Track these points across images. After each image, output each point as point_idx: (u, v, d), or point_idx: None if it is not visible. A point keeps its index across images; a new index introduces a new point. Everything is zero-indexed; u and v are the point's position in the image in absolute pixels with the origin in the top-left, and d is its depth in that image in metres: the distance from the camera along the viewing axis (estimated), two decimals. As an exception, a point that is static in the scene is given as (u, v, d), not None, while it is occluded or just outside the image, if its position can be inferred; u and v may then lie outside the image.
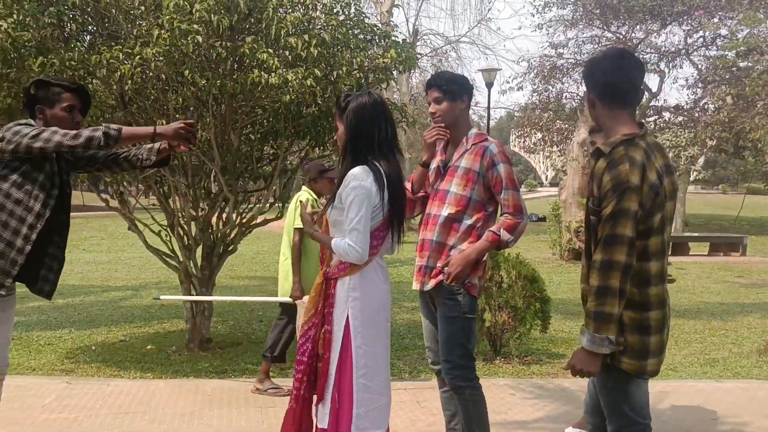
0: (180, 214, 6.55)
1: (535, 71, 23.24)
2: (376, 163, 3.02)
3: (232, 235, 6.72)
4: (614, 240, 2.43)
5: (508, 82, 50.50)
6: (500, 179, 3.45)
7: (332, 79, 5.68)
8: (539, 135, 27.76)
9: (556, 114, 25.99)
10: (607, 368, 2.57)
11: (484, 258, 3.50)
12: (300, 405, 3.00)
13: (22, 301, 9.20)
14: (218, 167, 6.14)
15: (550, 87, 26.68)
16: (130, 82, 5.32)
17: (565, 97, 27.07)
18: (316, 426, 3.02)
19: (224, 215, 6.69)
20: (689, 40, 27.19)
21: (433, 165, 3.66)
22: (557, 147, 27.47)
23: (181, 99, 5.75)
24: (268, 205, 6.66)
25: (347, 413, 2.90)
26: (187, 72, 5.23)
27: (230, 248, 6.83)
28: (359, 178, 2.95)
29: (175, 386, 5.43)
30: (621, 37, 23.69)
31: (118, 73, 5.21)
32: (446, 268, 3.43)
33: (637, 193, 2.43)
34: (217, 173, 6.24)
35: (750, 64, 25.98)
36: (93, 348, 6.85)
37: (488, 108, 16.49)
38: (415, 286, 3.60)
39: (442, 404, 3.71)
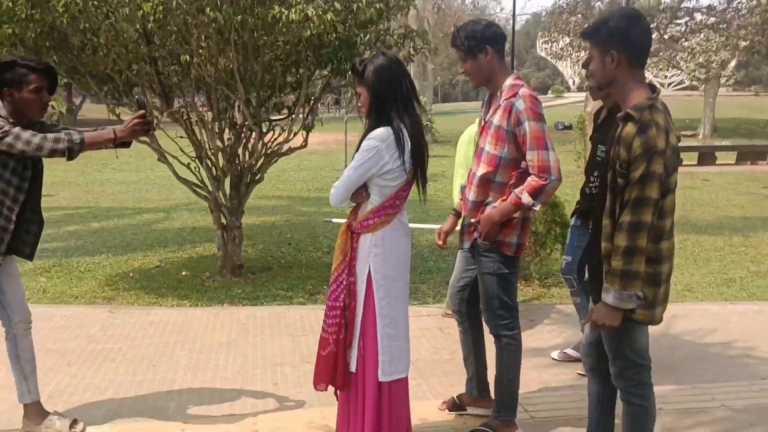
0: (207, 146, 6.70)
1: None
2: (399, 123, 3.07)
3: (258, 164, 6.89)
4: (643, 202, 2.56)
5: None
6: (526, 138, 3.33)
7: (353, 9, 5.67)
8: (567, 39, 27.13)
9: (585, 17, 25.29)
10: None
11: (516, 216, 3.47)
12: (340, 348, 3.18)
13: (58, 225, 9.56)
14: (242, 99, 6.24)
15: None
16: (152, 18, 5.39)
17: (594, -1, 26.29)
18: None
19: (249, 145, 6.83)
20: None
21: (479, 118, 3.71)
22: (585, 52, 26.92)
23: (203, 35, 5.80)
24: (292, 134, 6.78)
25: (373, 359, 3.12)
26: (208, 10, 5.27)
27: (257, 177, 7.01)
28: (377, 137, 3.03)
29: (211, 314, 5.74)
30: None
31: (141, 11, 5.27)
32: (479, 227, 3.50)
33: (663, 156, 2.55)
34: (241, 105, 6.34)
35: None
36: (131, 274, 7.18)
37: (513, 14, 16.05)
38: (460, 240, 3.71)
39: (461, 341, 3.90)
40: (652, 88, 2.71)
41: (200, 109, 6.76)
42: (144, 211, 11.31)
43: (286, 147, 6.92)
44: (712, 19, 24.49)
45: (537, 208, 3.38)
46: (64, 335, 5.17)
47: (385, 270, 3.15)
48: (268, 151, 6.84)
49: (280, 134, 6.87)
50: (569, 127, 28.05)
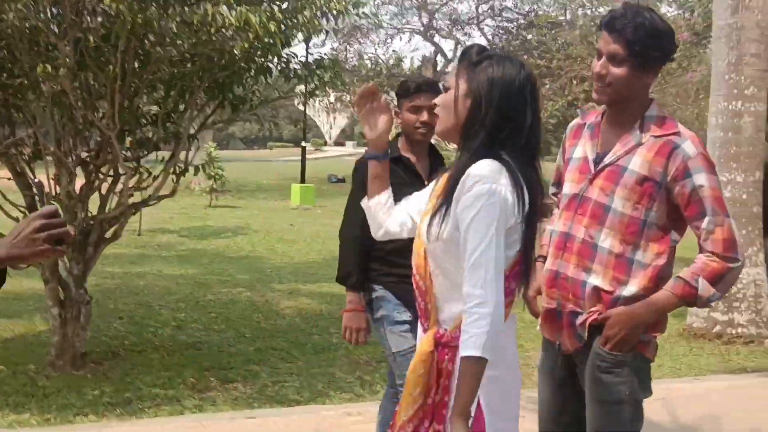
0: (53, 191, 4.85)
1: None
2: (510, 162, 1.95)
3: (116, 216, 5.16)
4: None
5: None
6: (698, 198, 2.29)
7: (299, 21, 4.40)
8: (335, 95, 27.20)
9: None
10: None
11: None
12: None
13: None
14: (115, 131, 4.57)
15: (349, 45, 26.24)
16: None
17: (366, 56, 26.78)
18: None
19: (116, 190, 5.11)
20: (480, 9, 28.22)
21: (578, 154, 2.51)
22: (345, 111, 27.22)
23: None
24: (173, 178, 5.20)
25: None
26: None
27: (112, 234, 5.26)
28: (488, 177, 1.87)
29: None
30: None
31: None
32: (605, 330, 2.33)
33: None
34: (112, 139, 4.64)
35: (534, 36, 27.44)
36: None
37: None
38: (546, 334, 2.54)
39: None
40: None
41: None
42: None
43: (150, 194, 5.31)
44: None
45: (714, 304, 2.44)
46: None
47: (502, 405, 1.97)
48: (128, 200, 5.16)
49: (146, 178, 5.24)
50: (342, 180, 28.03)
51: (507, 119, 1.94)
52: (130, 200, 5.11)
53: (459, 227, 1.89)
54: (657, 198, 2.33)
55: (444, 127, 2.04)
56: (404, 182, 3.14)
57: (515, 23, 29.84)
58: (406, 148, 3.24)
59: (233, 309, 7.34)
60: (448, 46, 33.69)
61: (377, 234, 2.25)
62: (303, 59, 5.17)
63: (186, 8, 3.89)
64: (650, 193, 2.32)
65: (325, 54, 5.61)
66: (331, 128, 50.48)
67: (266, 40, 4.05)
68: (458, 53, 31.93)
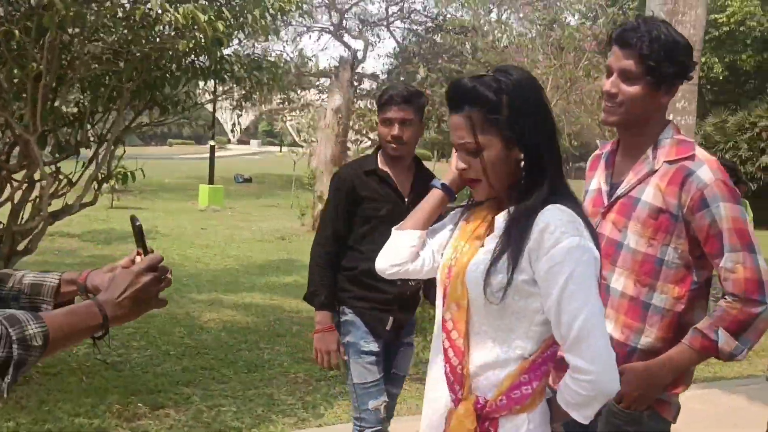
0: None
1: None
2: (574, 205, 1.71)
3: (32, 227, 4.67)
4: None
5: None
6: (717, 231, 2.03)
7: (247, 20, 4.07)
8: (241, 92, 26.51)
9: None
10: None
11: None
12: None
13: None
14: (37, 133, 4.10)
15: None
16: None
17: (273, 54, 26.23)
18: None
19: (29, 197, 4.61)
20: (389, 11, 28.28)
21: (593, 186, 2.31)
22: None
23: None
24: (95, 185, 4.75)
25: None
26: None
27: (26, 247, 4.75)
28: (572, 229, 1.62)
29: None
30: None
31: None
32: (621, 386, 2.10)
33: None
34: (32, 143, 4.16)
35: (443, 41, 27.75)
36: None
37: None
38: (554, 384, 2.14)
39: None
40: None
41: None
42: None
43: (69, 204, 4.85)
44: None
45: (742, 356, 2.04)
46: None
47: None
48: (46, 208, 4.67)
49: (64, 185, 4.77)
50: (249, 180, 27.35)
51: (544, 144, 1.69)
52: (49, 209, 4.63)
53: (542, 286, 1.62)
54: (674, 232, 2.08)
55: (493, 193, 1.72)
56: (377, 196, 2.95)
57: (424, 26, 30.08)
58: (384, 161, 3.02)
59: (152, 323, 6.85)
60: (358, 46, 33.69)
61: (387, 269, 1.91)
62: (242, 59, 4.82)
63: (127, 3, 3.50)
64: (666, 227, 2.08)
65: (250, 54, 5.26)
66: (234, 126, 49.28)
67: (211, 39, 3.70)
68: (369, 54, 32.02)
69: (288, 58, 26.77)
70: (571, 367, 1.58)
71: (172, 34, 3.67)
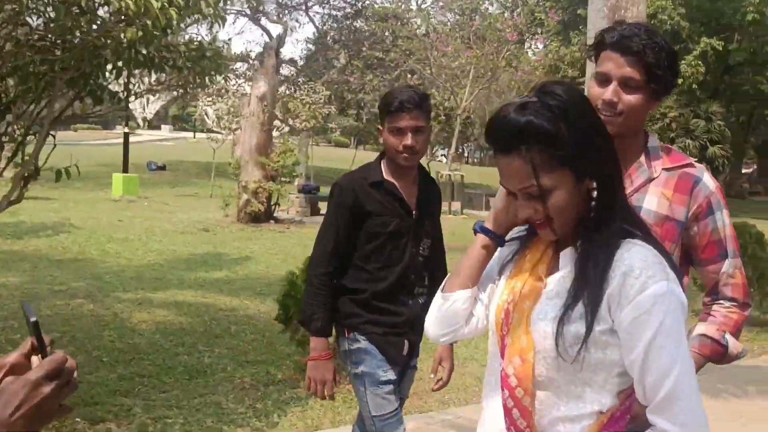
0: None
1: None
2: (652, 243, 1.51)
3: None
4: None
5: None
6: (718, 238, 2.04)
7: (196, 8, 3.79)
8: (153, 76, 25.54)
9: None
10: None
11: None
12: None
13: None
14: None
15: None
16: None
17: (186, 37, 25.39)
18: None
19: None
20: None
21: None
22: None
23: None
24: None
25: None
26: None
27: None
28: (659, 272, 1.42)
29: None
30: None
31: None
32: None
33: None
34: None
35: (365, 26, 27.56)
36: None
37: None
38: None
39: None
40: None
41: None
42: None
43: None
44: (301, 77, 25.82)
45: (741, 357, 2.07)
46: None
47: None
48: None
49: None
50: (163, 168, 26.42)
51: (610, 173, 1.50)
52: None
53: (624, 338, 1.42)
54: (678, 241, 2.04)
55: (566, 230, 1.50)
56: (384, 211, 2.72)
57: (343, 12, 29.79)
58: (389, 171, 2.77)
59: (77, 326, 6.44)
60: (275, 30, 32.87)
61: (440, 338, 1.69)
62: (187, 48, 4.51)
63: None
64: (672, 235, 2.02)
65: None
66: (144, 111, 47.50)
67: (162, 27, 3.42)
68: (287, 39, 31.41)
69: (204, 43, 26.05)
70: (659, 430, 1.40)
71: (119, 21, 3.35)
